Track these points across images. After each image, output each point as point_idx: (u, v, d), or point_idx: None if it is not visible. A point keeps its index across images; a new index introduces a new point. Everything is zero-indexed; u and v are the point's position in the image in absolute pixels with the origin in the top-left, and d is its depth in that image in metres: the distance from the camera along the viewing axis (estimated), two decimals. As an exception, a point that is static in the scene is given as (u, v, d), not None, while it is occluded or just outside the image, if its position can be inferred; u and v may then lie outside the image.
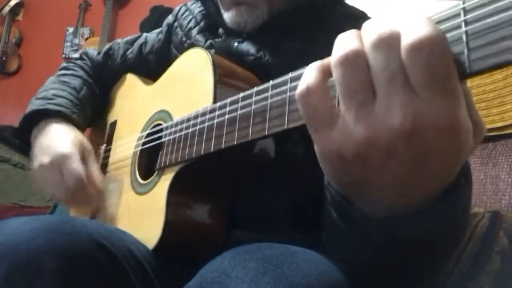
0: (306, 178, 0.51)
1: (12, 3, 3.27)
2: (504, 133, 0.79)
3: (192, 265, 0.51)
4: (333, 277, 0.47)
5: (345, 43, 0.33)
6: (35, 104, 0.82)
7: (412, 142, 0.31)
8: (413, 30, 0.30)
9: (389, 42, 0.31)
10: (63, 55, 3.23)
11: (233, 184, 0.67)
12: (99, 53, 0.98)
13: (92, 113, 0.93)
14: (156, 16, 3.01)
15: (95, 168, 0.77)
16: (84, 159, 0.76)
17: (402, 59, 0.31)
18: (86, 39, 3.19)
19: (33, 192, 2.50)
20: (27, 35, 3.34)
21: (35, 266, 0.47)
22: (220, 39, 0.78)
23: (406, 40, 0.30)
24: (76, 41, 3.22)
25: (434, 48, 0.29)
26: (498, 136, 0.80)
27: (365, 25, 0.33)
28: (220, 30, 0.81)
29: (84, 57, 1.00)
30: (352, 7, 0.81)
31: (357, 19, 0.77)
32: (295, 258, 0.47)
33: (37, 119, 0.82)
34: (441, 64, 0.30)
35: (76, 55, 3.16)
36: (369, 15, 0.81)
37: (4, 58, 3.26)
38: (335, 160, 0.34)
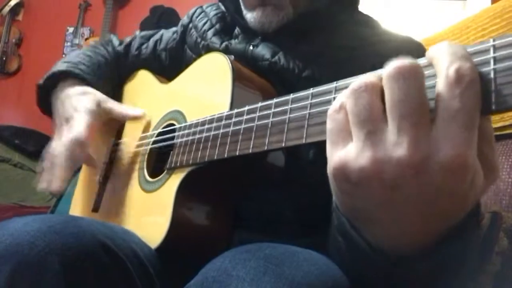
0: (315, 183, 0.51)
1: (12, 3, 3.27)
2: (504, 133, 0.79)
3: (194, 266, 0.51)
4: (333, 277, 0.47)
5: (363, 77, 0.33)
6: (59, 66, 0.87)
7: (419, 178, 0.30)
8: (443, 64, 0.30)
9: (409, 74, 0.31)
10: (63, 55, 3.23)
11: (242, 187, 0.67)
12: (121, 43, 1.01)
13: (107, 90, 0.94)
14: (156, 16, 3.02)
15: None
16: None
17: (422, 91, 0.30)
18: (86, 39, 3.20)
19: (33, 192, 2.50)
20: (27, 35, 3.34)
21: (39, 267, 0.47)
22: (236, 40, 0.79)
23: (443, 70, 0.30)
24: (76, 41, 3.22)
25: (468, 82, 0.29)
26: (498, 136, 0.80)
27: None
28: (237, 30, 0.81)
29: (109, 43, 1.02)
30: (366, 15, 0.81)
31: (371, 27, 0.77)
32: (295, 258, 0.47)
33: (59, 80, 0.86)
34: (472, 97, 0.29)
35: (76, 55, 3.16)
36: (371, 16, 0.81)
37: (4, 58, 3.26)
38: (341, 180, 0.34)
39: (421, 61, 0.33)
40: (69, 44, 3.24)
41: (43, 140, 2.68)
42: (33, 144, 2.66)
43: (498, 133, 0.81)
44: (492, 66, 0.30)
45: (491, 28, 0.85)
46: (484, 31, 0.87)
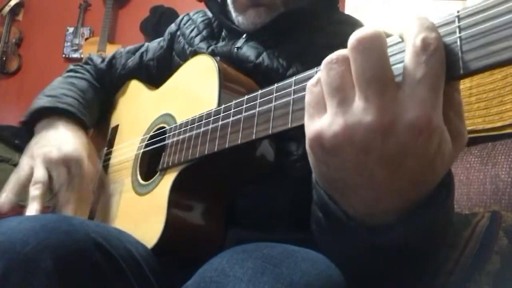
0: (307, 178, 0.52)
1: (12, 3, 3.27)
2: (503, 132, 0.79)
3: (190, 265, 0.51)
4: (331, 276, 0.47)
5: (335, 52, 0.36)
6: (44, 101, 0.83)
7: (388, 140, 0.32)
8: (416, 32, 0.32)
9: (369, 42, 0.32)
10: (63, 55, 3.24)
11: (234, 184, 0.68)
12: (103, 60, 1.00)
13: (96, 116, 0.95)
14: (156, 16, 3.02)
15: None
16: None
17: (383, 57, 0.32)
18: (86, 39, 3.20)
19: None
20: (27, 35, 3.35)
21: (32, 264, 0.47)
22: (222, 43, 0.79)
23: (410, 40, 0.32)
24: (76, 41, 3.22)
25: (433, 50, 0.31)
26: (497, 136, 0.80)
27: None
28: (224, 33, 0.82)
29: (90, 62, 1.02)
30: (347, 15, 0.83)
31: (351, 25, 0.79)
32: (293, 258, 0.47)
33: (42, 115, 0.82)
34: (436, 64, 0.31)
35: (76, 55, 3.17)
36: (369, 16, 0.82)
37: (4, 58, 3.26)
38: (317, 150, 0.35)
39: (393, 37, 0.36)
40: (69, 44, 3.24)
41: (43, 140, 2.70)
42: (33, 144, 2.66)
43: (497, 132, 0.81)
44: (457, 35, 0.32)
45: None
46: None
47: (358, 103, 0.33)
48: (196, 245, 0.65)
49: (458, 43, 0.32)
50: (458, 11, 0.32)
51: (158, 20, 2.99)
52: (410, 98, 0.31)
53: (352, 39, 0.33)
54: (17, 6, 3.33)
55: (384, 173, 0.34)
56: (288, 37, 0.74)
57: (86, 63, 1.02)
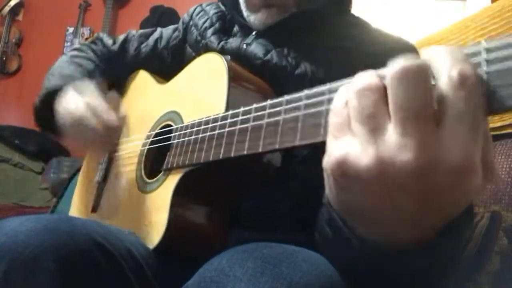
0: (310, 180, 0.51)
1: (12, 3, 3.27)
2: (503, 132, 0.79)
3: (190, 266, 0.51)
4: (331, 277, 0.47)
5: (366, 76, 0.33)
6: (52, 82, 0.84)
7: (425, 180, 0.30)
8: (450, 65, 0.30)
9: (414, 74, 0.30)
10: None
11: (238, 187, 0.67)
12: (114, 42, 0.98)
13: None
14: (156, 16, 3.02)
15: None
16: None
17: (428, 93, 0.30)
18: (86, 39, 3.20)
19: (33, 192, 2.51)
20: (27, 35, 3.34)
21: (33, 265, 0.47)
22: (232, 39, 0.79)
23: (446, 72, 0.30)
24: (76, 41, 3.22)
25: (472, 84, 0.29)
26: (497, 136, 0.80)
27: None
28: (236, 28, 0.82)
29: (98, 42, 0.99)
30: (357, 17, 0.82)
31: (363, 28, 0.78)
32: (293, 258, 0.47)
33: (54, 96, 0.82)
34: (476, 99, 0.29)
35: (76, 55, 3.16)
36: (369, 16, 0.82)
37: (4, 58, 3.26)
38: (339, 174, 0.33)
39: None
40: (69, 44, 3.24)
41: (43, 140, 2.70)
42: (33, 144, 2.66)
43: (497, 132, 0.81)
44: (485, 69, 0.30)
45: (491, 28, 0.85)
46: (483, 31, 0.87)
47: (393, 136, 0.30)
48: (198, 247, 0.65)
49: (486, 77, 0.30)
50: (486, 41, 0.30)
51: (158, 20, 2.98)
52: (450, 137, 0.29)
53: (396, 68, 0.30)
54: (17, 6, 3.32)
55: (414, 209, 0.32)
56: (298, 36, 0.74)
57: (94, 43, 0.99)
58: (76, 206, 0.93)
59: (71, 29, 3.25)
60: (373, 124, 0.31)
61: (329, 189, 0.37)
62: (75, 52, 0.95)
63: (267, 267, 0.44)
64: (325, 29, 0.76)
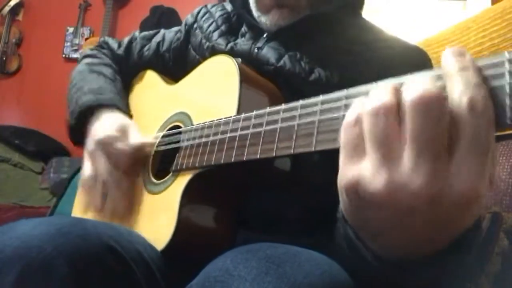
0: (319, 185, 0.52)
1: (12, 3, 3.27)
2: (504, 133, 0.79)
3: (197, 267, 0.51)
4: (335, 277, 0.47)
5: (382, 94, 0.32)
6: (84, 99, 0.81)
7: (434, 207, 0.31)
8: (462, 90, 0.30)
9: (432, 105, 0.30)
10: (63, 55, 3.24)
11: (247, 190, 0.67)
12: (119, 45, 0.98)
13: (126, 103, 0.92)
14: (156, 16, 3.02)
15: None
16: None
17: (443, 122, 0.30)
18: (86, 39, 3.20)
19: (33, 192, 2.51)
20: (27, 35, 3.34)
21: (47, 270, 0.47)
22: (242, 40, 0.78)
23: (457, 98, 0.30)
24: (76, 41, 3.22)
25: (481, 112, 0.29)
26: (498, 137, 0.80)
27: (409, 81, 0.32)
28: (243, 29, 0.80)
29: (105, 46, 0.99)
30: (369, 21, 0.81)
31: (375, 33, 0.77)
32: (297, 258, 0.47)
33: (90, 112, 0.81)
34: (485, 125, 0.30)
35: (76, 55, 3.16)
36: (368, 15, 0.82)
37: (4, 58, 3.25)
38: (353, 195, 0.34)
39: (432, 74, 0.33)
40: (69, 44, 3.24)
41: (43, 140, 2.70)
42: (33, 144, 2.66)
43: (498, 133, 0.81)
44: (508, 80, 0.29)
45: (492, 29, 0.85)
46: (484, 32, 0.87)
47: (406, 164, 0.31)
48: (204, 248, 0.64)
49: (508, 89, 0.29)
50: (508, 53, 0.30)
51: (158, 20, 2.98)
52: (462, 164, 0.30)
53: (415, 96, 0.30)
54: (17, 6, 3.32)
55: (425, 230, 0.33)
56: (310, 40, 0.73)
57: (101, 46, 0.99)
58: (80, 207, 0.92)
59: (71, 29, 3.25)
60: (387, 149, 0.31)
61: (343, 205, 0.37)
62: (90, 60, 0.94)
63: (271, 267, 0.44)
64: (338, 32, 0.74)
